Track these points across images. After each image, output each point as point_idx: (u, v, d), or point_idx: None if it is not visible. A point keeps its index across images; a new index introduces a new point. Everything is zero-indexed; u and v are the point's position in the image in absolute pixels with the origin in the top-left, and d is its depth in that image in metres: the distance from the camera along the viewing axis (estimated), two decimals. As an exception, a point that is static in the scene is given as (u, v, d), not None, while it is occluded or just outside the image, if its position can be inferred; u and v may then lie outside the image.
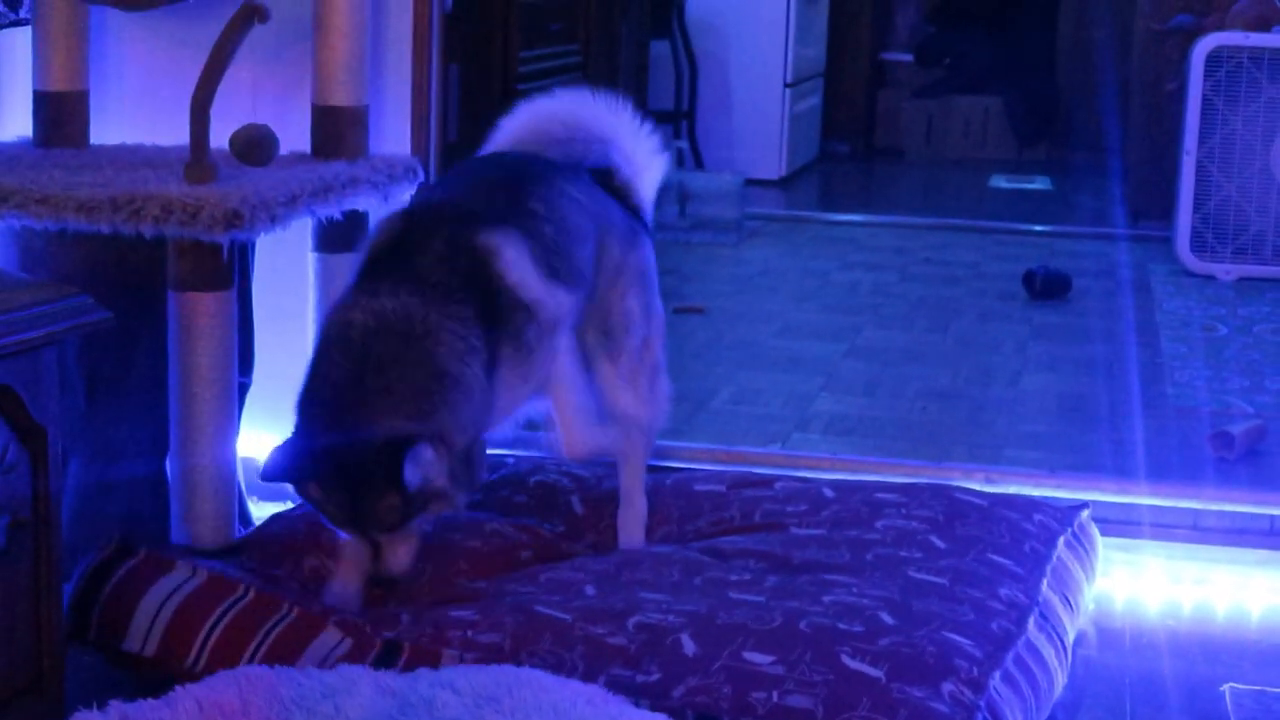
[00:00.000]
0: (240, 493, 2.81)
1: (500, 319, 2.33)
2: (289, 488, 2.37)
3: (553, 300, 2.40)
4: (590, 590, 2.37)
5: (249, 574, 2.39)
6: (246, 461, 2.92)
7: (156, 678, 2.23)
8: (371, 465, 2.17)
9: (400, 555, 2.28)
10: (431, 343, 2.23)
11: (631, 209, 2.74)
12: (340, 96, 2.82)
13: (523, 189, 2.48)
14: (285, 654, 2.18)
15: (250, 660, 2.17)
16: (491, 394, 2.30)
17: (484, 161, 2.65)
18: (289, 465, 2.22)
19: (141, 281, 2.61)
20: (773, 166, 7.40)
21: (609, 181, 2.72)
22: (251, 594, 2.28)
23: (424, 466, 2.17)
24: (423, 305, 2.26)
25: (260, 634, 2.22)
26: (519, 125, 2.72)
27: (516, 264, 2.36)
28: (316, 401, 2.24)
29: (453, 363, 2.24)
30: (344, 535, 2.33)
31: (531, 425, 2.67)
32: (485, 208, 2.42)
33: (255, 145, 2.60)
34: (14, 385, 1.93)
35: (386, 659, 2.14)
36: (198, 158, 2.51)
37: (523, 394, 2.40)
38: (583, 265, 2.53)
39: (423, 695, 1.87)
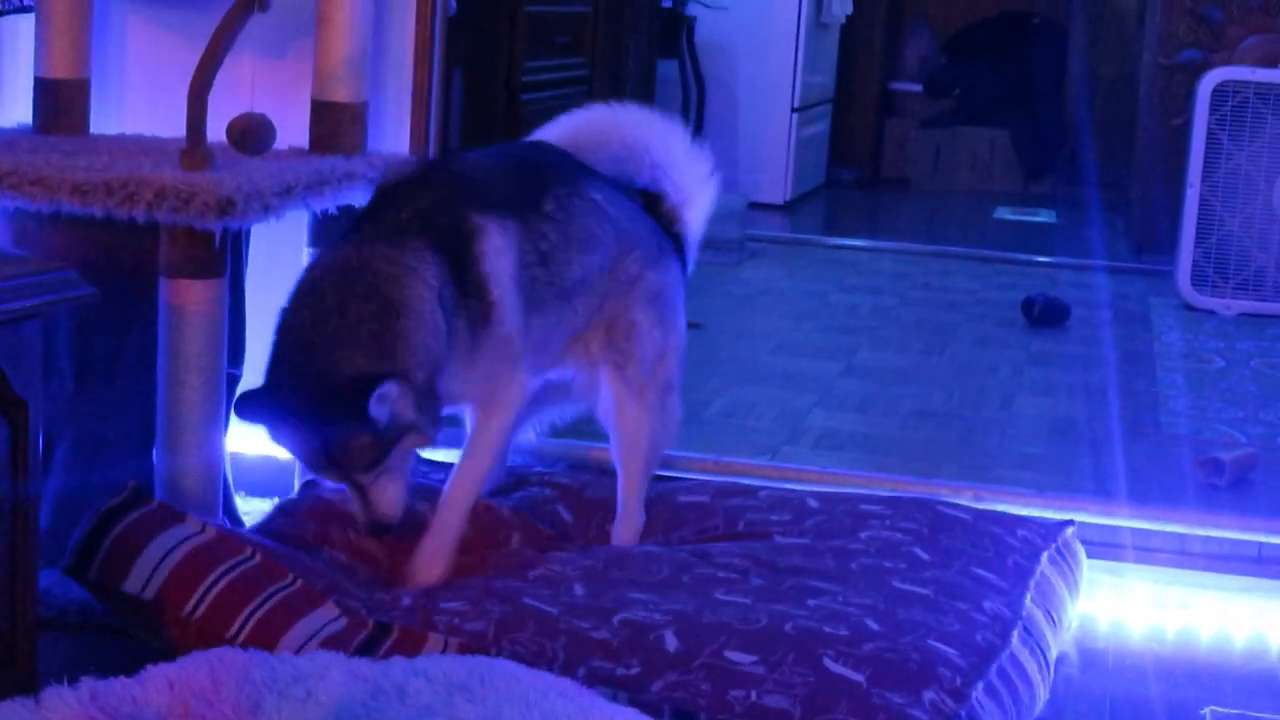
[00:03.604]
0: (227, 486, 2.80)
1: (465, 291, 2.34)
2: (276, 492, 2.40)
3: (514, 315, 2.40)
4: (579, 589, 2.37)
5: (259, 540, 2.39)
6: (235, 456, 2.91)
7: (148, 626, 2.26)
8: (339, 405, 2.21)
9: (389, 497, 2.31)
10: (384, 279, 2.27)
11: (674, 235, 2.73)
12: (340, 92, 2.82)
13: (543, 183, 2.50)
14: (279, 621, 2.19)
15: (245, 621, 2.18)
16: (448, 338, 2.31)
17: (521, 146, 2.69)
18: (259, 407, 2.27)
19: (135, 268, 2.62)
20: (778, 190, 7.38)
21: (656, 206, 2.73)
22: (259, 557, 2.28)
23: (390, 403, 2.21)
24: (383, 248, 2.30)
25: (260, 597, 2.22)
26: (577, 128, 2.73)
27: (496, 255, 2.37)
28: (283, 345, 2.29)
29: (405, 294, 2.26)
30: (328, 482, 2.36)
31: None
32: (495, 188, 2.44)
33: (249, 132, 2.60)
34: (-5, 357, 1.93)
35: (374, 641, 2.15)
36: (193, 145, 2.51)
37: (455, 390, 2.38)
38: (581, 274, 2.52)
39: (395, 682, 1.86)
